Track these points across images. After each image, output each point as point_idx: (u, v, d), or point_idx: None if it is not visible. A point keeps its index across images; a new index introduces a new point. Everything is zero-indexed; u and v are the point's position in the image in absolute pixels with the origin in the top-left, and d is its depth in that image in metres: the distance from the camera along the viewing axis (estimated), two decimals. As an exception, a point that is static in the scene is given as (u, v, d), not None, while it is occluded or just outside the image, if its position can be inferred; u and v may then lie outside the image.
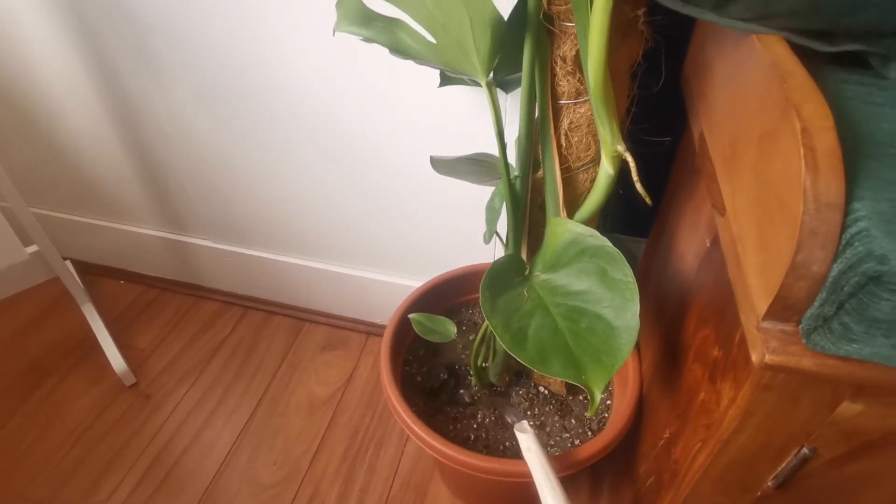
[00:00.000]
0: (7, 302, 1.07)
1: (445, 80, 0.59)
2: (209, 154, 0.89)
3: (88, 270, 1.17)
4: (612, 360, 0.46)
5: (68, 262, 1.00)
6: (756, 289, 0.32)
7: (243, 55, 0.74)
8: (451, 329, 0.64)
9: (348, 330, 1.07)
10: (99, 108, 0.89)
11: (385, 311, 1.02)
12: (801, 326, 0.30)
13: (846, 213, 0.27)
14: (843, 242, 0.27)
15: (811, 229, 0.27)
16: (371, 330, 1.06)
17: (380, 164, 0.80)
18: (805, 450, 0.36)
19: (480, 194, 0.75)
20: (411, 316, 0.64)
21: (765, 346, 0.30)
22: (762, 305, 0.31)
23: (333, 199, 0.87)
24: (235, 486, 0.84)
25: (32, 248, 0.87)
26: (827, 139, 0.29)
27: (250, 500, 0.82)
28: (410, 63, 0.53)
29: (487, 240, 0.60)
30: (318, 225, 0.93)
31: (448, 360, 0.77)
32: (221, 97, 0.80)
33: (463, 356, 0.78)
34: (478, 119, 0.70)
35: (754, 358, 0.31)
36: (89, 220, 1.10)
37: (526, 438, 0.56)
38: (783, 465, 0.38)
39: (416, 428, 0.62)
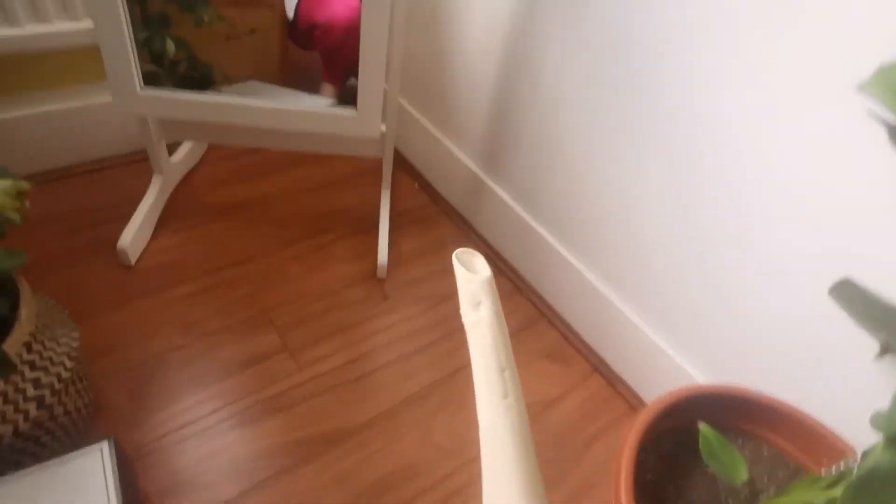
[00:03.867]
0: (332, 158, 1.21)
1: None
2: (575, 144, 0.83)
3: (401, 166, 1.26)
4: None
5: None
6: None
7: (661, 59, 0.64)
8: (742, 471, 0.49)
9: (578, 351, 0.97)
10: (502, 39, 0.89)
11: (632, 367, 0.89)
12: None
13: None
14: None
15: None
16: (599, 366, 0.95)
17: (761, 239, 0.65)
18: None
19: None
20: (703, 426, 0.50)
21: None
22: None
23: (672, 244, 0.75)
24: (409, 424, 0.83)
25: (383, 128, 0.93)
26: None
27: (419, 449, 0.81)
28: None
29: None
30: (635, 256, 0.82)
31: (693, 481, 0.62)
32: (619, 91, 0.72)
33: (714, 486, 0.61)
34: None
35: None
36: (431, 129, 1.17)
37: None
38: None
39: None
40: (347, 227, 1.11)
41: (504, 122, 0.96)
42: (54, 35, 0.94)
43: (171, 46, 0.95)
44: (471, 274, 0.39)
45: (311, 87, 1.21)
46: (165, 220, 1.04)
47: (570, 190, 0.88)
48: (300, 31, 1.05)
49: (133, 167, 1.13)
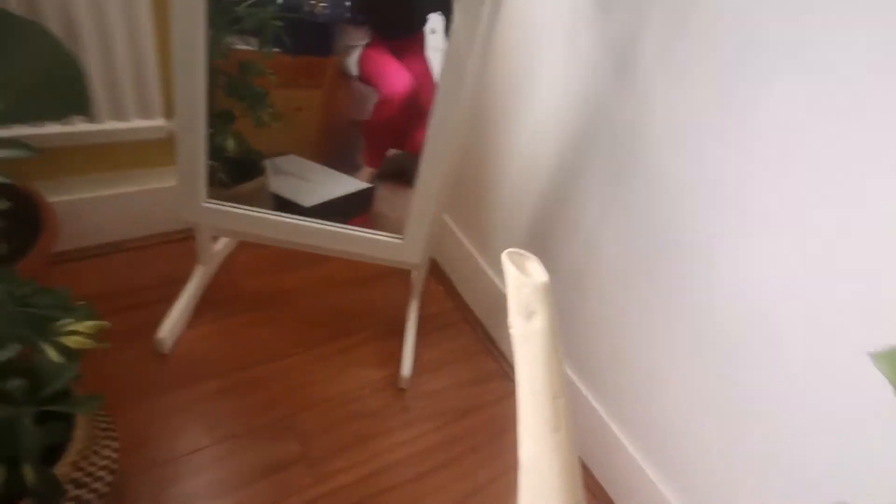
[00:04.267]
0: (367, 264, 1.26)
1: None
2: (605, 289, 0.88)
3: (432, 271, 1.31)
4: None
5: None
6: None
7: (710, 246, 0.69)
8: None
9: (586, 485, 0.98)
10: (550, 160, 0.96)
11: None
12: None
13: None
14: None
15: None
16: (611, 508, 0.95)
17: (784, 437, 0.68)
18: None
19: None
20: None
21: None
22: None
23: (692, 402, 0.78)
24: (419, 554, 0.84)
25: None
26: None
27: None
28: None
29: None
30: (653, 404, 0.85)
31: None
32: (654, 252, 0.77)
33: None
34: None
35: None
36: (464, 241, 1.22)
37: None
38: None
39: None
40: (372, 330, 1.14)
41: (537, 252, 1.01)
42: (129, 130, 1.01)
43: (231, 144, 1.02)
44: (524, 277, 0.34)
45: (347, 167, 1.28)
46: (201, 308, 1.07)
47: (595, 328, 0.92)
48: (363, 80, 1.09)
49: (175, 245, 1.18)
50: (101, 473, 0.65)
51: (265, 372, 1.00)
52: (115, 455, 0.68)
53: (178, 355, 0.99)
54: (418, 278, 1.10)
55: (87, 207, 1.06)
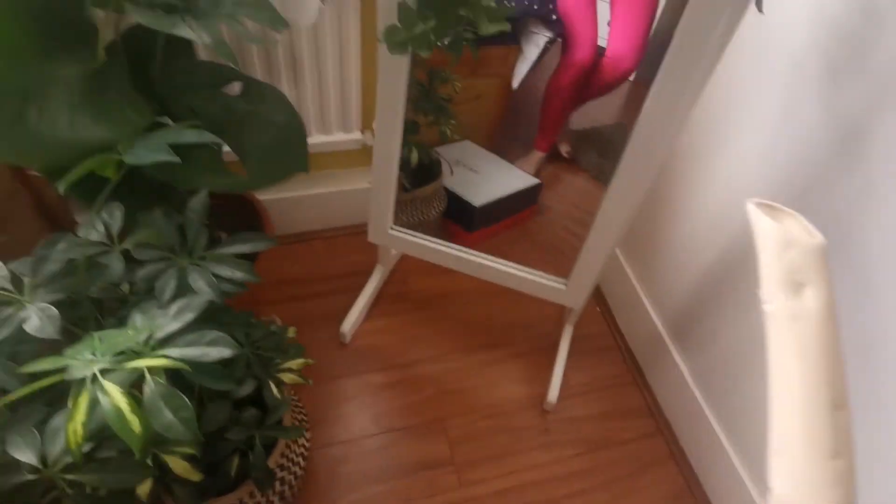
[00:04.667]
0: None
1: None
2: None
3: (595, 296, 1.31)
4: None
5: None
6: None
7: None
8: None
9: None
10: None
11: None
12: None
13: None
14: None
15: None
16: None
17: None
18: None
19: None
20: None
21: None
22: None
23: None
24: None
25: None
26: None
27: None
28: None
29: None
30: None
31: None
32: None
33: None
34: None
35: None
36: (628, 271, 1.19)
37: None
38: None
39: None
40: (525, 344, 1.19)
41: (704, 309, 0.95)
42: (331, 143, 1.14)
43: (415, 156, 1.10)
44: (791, 235, 0.25)
45: (516, 153, 1.32)
46: (376, 303, 1.21)
47: (755, 404, 0.86)
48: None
49: (359, 237, 1.33)
50: (298, 459, 0.81)
51: (425, 372, 1.12)
52: (308, 444, 0.83)
53: (354, 345, 1.14)
54: (575, 314, 1.11)
55: (291, 204, 1.24)
